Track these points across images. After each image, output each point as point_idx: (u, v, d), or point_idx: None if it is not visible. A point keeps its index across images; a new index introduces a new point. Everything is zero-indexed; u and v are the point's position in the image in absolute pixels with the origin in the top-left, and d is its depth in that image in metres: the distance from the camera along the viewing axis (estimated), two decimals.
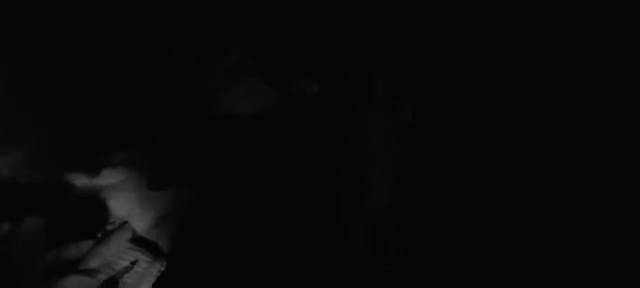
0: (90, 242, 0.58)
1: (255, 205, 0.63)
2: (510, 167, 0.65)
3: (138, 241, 0.60)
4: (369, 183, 0.62)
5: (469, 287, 0.63)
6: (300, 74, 0.64)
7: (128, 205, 0.60)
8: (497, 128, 0.66)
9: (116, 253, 0.58)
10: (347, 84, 0.64)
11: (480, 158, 0.66)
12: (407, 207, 0.64)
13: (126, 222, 0.60)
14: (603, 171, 0.64)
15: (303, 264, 0.62)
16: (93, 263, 0.57)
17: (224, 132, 0.64)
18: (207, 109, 0.64)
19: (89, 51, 0.63)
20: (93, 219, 0.60)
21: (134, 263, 0.59)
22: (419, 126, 0.66)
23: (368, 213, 0.63)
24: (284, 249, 0.62)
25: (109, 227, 0.60)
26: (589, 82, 0.67)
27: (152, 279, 0.59)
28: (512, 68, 0.67)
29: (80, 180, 0.59)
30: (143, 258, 0.59)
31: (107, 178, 0.60)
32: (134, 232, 0.60)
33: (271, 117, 0.65)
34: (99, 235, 0.59)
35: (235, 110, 0.64)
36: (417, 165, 0.65)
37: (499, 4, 0.67)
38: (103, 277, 0.56)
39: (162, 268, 0.60)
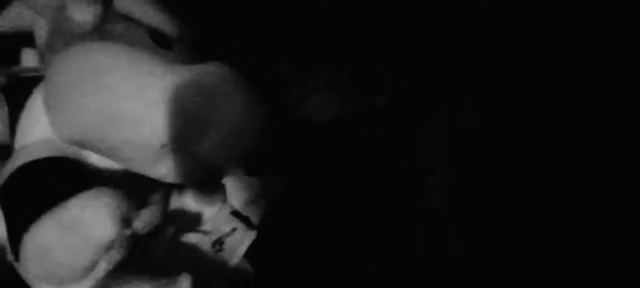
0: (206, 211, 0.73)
1: (331, 196, 0.77)
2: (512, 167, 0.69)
3: (236, 214, 0.74)
4: (429, 184, 0.74)
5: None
6: (370, 88, 0.79)
7: (229, 188, 0.75)
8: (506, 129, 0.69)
9: (222, 221, 0.72)
10: (410, 97, 0.78)
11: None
12: (464, 207, 0.69)
13: (227, 201, 0.75)
14: (609, 174, 0.67)
15: (371, 250, 0.75)
16: (206, 227, 0.71)
17: (305, 133, 0.80)
18: (294, 113, 0.79)
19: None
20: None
21: (233, 230, 0.73)
22: (477, 132, 0.70)
23: (427, 211, 0.74)
24: (355, 236, 0.75)
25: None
26: (590, 83, 0.67)
27: (247, 244, 0.73)
28: (513, 68, 0.69)
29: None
30: (240, 227, 0.73)
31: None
32: (232, 207, 0.75)
33: (344, 124, 0.80)
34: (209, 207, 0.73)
35: (315, 116, 0.79)
36: (475, 170, 0.69)
37: (499, 4, 0.67)
38: (214, 237, 0.71)
39: (254, 237, 0.74)
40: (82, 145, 0.30)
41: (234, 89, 0.35)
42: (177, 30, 0.41)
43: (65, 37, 0.31)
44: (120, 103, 0.29)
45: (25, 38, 0.38)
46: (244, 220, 0.74)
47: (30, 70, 0.32)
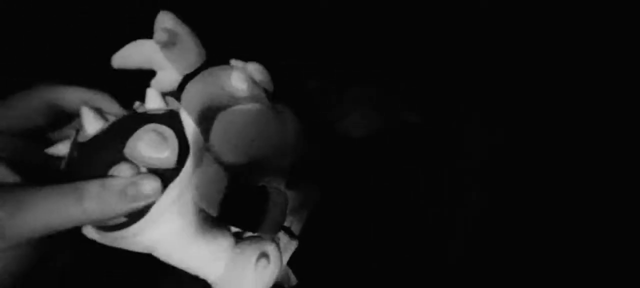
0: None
1: (369, 206, 0.81)
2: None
3: None
4: (466, 195, 0.76)
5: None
6: (405, 106, 0.83)
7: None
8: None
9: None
10: (443, 114, 0.82)
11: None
12: (502, 216, 0.72)
13: None
14: (609, 174, 0.68)
15: (407, 257, 0.78)
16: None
17: (343, 147, 0.84)
18: (332, 129, 0.84)
19: None
20: None
21: (277, 239, 0.77)
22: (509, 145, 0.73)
23: (465, 221, 0.77)
24: (391, 243, 0.79)
25: None
26: (590, 83, 0.68)
27: (290, 253, 0.77)
28: (513, 68, 0.70)
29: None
30: (283, 237, 0.78)
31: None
32: None
33: (379, 139, 0.84)
34: None
35: (352, 132, 0.84)
36: (511, 180, 0.72)
37: (499, 3, 0.68)
38: None
39: (296, 246, 0.78)
40: (236, 167, 0.42)
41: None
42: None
43: (226, 98, 0.42)
44: (268, 140, 0.44)
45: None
46: (286, 230, 0.79)
47: (158, 109, 0.39)
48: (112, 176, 0.35)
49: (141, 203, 0.35)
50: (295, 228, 0.80)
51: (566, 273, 0.71)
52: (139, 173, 0.36)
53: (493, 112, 0.78)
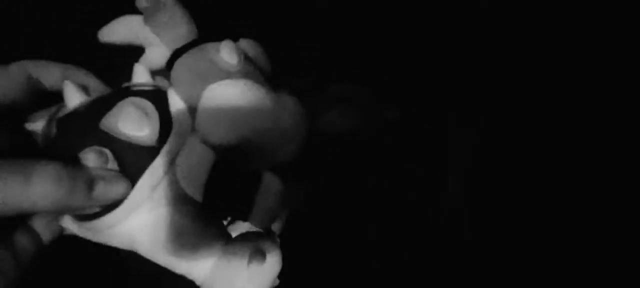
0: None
1: (349, 206, 0.80)
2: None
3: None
4: (447, 195, 0.74)
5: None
6: (383, 102, 0.82)
7: None
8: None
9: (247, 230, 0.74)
10: (424, 111, 0.82)
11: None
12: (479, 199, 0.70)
13: None
14: (607, 174, 0.68)
15: (389, 258, 0.76)
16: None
17: (324, 145, 0.82)
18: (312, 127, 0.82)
19: None
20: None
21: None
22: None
23: (446, 220, 0.76)
24: (372, 243, 0.77)
25: None
26: (591, 83, 0.68)
27: None
28: (513, 69, 0.70)
29: None
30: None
31: None
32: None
33: (359, 136, 0.83)
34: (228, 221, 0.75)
35: (331, 129, 0.82)
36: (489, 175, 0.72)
37: (499, 3, 0.67)
38: None
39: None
40: (225, 149, 0.38)
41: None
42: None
43: (215, 72, 0.39)
44: (261, 121, 0.40)
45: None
46: (267, 231, 0.76)
47: (143, 85, 0.36)
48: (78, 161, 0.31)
49: (100, 203, 0.32)
50: (277, 230, 0.77)
51: (548, 271, 0.72)
52: (107, 167, 0.32)
53: (476, 111, 0.77)
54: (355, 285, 0.74)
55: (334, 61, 0.82)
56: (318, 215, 0.78)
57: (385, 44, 0.79)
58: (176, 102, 0.37)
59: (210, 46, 0.41)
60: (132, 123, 0.33)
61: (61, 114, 0.35)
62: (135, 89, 0.36)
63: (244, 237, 0.40)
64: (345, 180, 0.80)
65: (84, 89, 0.36)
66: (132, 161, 0.33)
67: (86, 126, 0.33)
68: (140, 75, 0.37)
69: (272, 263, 0.41)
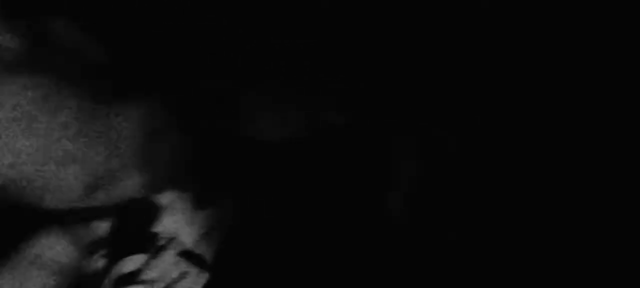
0: (145, 256, 0.63)
1: (289, 217, 0.71)
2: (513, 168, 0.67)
3: (186, 254, 0.66)
4: (390, 207, 0.69)
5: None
6: (328, 106, 0.73)
7: (177, 223, 0.66)
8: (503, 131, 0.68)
9: (168, 265, 0.64)
10: (370, 114, 0.73)
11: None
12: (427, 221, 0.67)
13: (175, 238, 0.66)
14: (606, 174, 0.66)
15: (333, 271, 0.69)
16: (149, 275, 0.62)
17: (258, 156, 0.72)
18: (242, 135, 0.72)
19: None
20: (146, 237, 0.65)
21: (183, 274, 0.64)
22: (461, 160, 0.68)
23: (388, 233, 0.70)
24: (315, 259, 0.69)
25: (161, 243, 0.65)
26: (591, 83, 0.67)
27: (200, 286, 0.64)
28: (513, 69, 0.68)
29: (135, 205, 0.65)
30: (191, 270, 0.65)
31: (163, 199, 0.66)
32: (183, 246, 0.66)
33: (299, 144, 0.74)
34: (152, 250, 0.64)
35: (268, 137, 0.73)
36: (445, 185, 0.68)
37: (500, 3, 0.66)
38: (160, 285, 0.61)
39: (209, 279, 0.65)
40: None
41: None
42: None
43: None
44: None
45: None
46: (196, 259, 0.66)
47: None
48: None
49: None
50: (208, 256, 0.67)
51: (497, 273, 0.68)
52: None
53: (427, 114, 0.72)
54: None
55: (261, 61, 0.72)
56: (253, 234, 0.68)
57: (384, 44, 0.72)
58: None
59: None
60: None
61: None
62: None
63: None
64: (280, 193, 0.71)
65: None
66: None
67: None
68: None
69: None
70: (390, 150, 0.72)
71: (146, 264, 0.62)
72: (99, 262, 0.60)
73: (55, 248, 0.57)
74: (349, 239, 0.70)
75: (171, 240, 0.66)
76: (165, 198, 0.67)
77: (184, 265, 0.65)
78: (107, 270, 0.59)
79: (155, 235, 0.65)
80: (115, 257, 0.61)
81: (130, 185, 0.64)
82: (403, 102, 0.72)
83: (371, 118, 0.71)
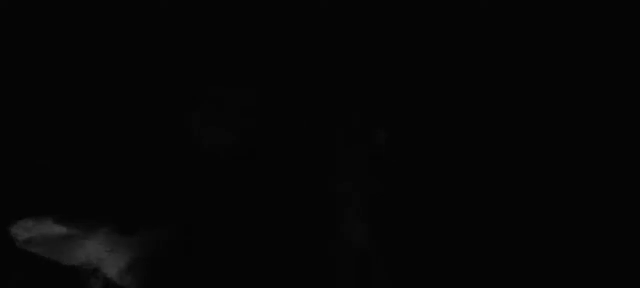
0: None
1: (231, 247, 0.63)
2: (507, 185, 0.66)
3: None
4: (347, 224, 0.63)
5: None
6: (281, 110, 0.66)
7: (98, 253, 0.59)
8: (496, 131, 0.66)
9: None
10: (325, 120, 0.66)
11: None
12: (392, 248, 0.63)
13: (97, 270, 0.59)
14: (605, 175, 0.64)
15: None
16: None
17: (198, 171, 0.65)
18: (179, 147, 0.65)
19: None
20: (62, 269, 0.58)
21: None
22: (395, 155, 0.65)
23: (347, 256, 0.63)
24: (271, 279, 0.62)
25: (81, 277, 0.58)
26: (590, 83, 0.66)
27: None
28: (513, 69, 0.67)
29: (46, 229, 0.58)
30: None
31: (77, 227, 0.59)
32: (107, 278, 0.59)
33: (248, 155, 0.66)
34: (70, 284, 0.57)
35: (211, 149, 0.65)
36: (399, 201, 0.64)
37: (499, 3, 0.66)
38: None
39: None
40: None
41: None
42: None
43: None
44: None
45: None
46: None
47: None
48: None
49: None
50: (134, 286, 0.60)
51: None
52: None
53: (375, 113, 0.68)
54: None
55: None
56: (184, 257, 0.61)
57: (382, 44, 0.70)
58: None
59: None
60: None
61: None
62: None
63: None
64: (225, 212, 0.63)
65: None
66: None
67: None
68: None
69: None
70: (342, 162, 0.64)
71: None
72: None
73: None
74: (296, 264, 0.62)
75: (93, 271, 0.59)
76: (85, 225, 0.60)
77: None
78: None
79: (71, 270, 0.58)
80: None
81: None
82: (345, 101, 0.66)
83: (315, 118, 0.64)
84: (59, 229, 0.59)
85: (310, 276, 0.63)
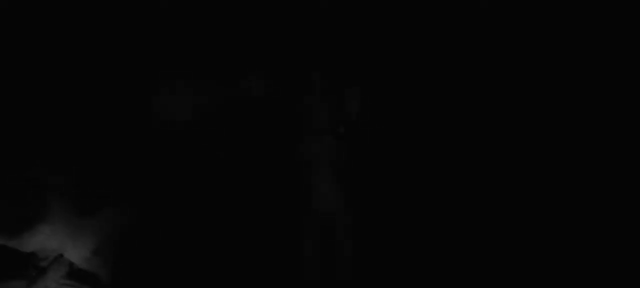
0: (23, 282, 0.53)
1: (197, 220, 0.60)
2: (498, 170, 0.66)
3: (77, 274, 0.55)
4: (313, 190, 0.62)
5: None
6: (246, 73, 0.63)
7: (59, 237, 0.55)
8: (491, 127, 0.67)
9: None
10: (291, 82, 0.64)
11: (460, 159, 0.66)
12: (358, 213, 0.62)
13: (61, 255, 0.55)
14: (601, 173, 0.65)
15: (252, 281, 0.60)
16: None
17: (160, 142, 0.61)
18: (139, 117, 0.61)
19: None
20: (23, 258, 0.54)
21: None
22: (365, 122, 0.64)
23: (314, 222, 0.62)
24: (230, 265, 0.59)
25: (43, 264, 0.54)
26: (590, 83, 0.67)
27: None
28: (512, 68, 0.67)
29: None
30: None
31: (32, 210, 0.54)
32: (72, 264, 0.55)
33: (213, 122, 0.63)
34: (33, 273, 0.53)
35: (174, 117, 0.62)
36: (366, 168, 0.63)
37: (499, 3, 0.67)
38: None
39: None
40: None
41: None
42: None
43: None
44: None
45: None
46: (89, 279, 0.55)
47: None
48: None
49: None
50: (103, 272, 0.56)
51: (433, 261, 0.64)
52: None
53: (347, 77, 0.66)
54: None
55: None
56: (154, 236, 0.58)
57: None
58: None
59: None
60: None
61: None
62: None
63: None
64: (191, 184, 0.60)
65: None
66: None
67: None
68: None
69: None
70: (308, 125, 0.63)
71: None
72: None
73: None
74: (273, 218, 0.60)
75: (56, 258, 0.55)
76: (42, 207, 0.55)
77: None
78: None
79: (32, 256, 0.54)
80: None
81: None
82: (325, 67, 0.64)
83: (290, 84, 0.62)
84: (14, 214, 0.54)
85: (278, 241, 0.62)
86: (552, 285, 0.63)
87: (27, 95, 0.59)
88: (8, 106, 0.58)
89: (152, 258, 0.58)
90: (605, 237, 0.64)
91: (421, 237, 0.64)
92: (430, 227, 0.64)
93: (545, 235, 0.64)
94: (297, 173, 0.63)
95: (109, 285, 0.56)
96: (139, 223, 0.59)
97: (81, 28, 0.61)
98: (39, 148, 0.58)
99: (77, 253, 0.56)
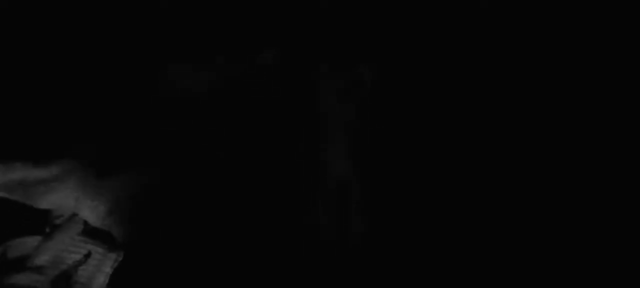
0: (37, 238, 0.54)
1: (212, 185, 0.61)
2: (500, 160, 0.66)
3: (90, 233, 0.56)
4: (326, 156, 0.62)
5: (437, 262, 0.62)
6: (256, 45, 0.63)
7: (75, 196, 0.56)
8: (492, 127, 0.67)
9: (66, 247, 0.54)
10: (301, 52, 0.64)
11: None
12: (370, 180, 0.63)
13: (75, 214, 0.56)
14: (601, 174, 0.65)
15: (267, 247, 0.61)
16: (41, 260, 0.52)
17: (174, 110, 0.62)
18: (154, 88, 0.61)
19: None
20: (37, 214, 0.55)
21: (87, 256, 0.55)
22: (378, 93, 0.64)
23: (328, 189, 0.62)
24: (245, 231, 0.60)
25: (57, 221, 0.55)
26: (589, 84, 0.67)
27: (108, 270, 0.55)
28: (512, 68, 0.68)
29: (17, 174, 0.55)
30: (96, 250, 0.56)
31: (50, 170, 0.55)
32: (86, 223, 0.57)
33: (224, 92, 0.63)
34: (47, 229, 0.55)
35: (187, 86, 0.62)
36: (379, 136, 0.63)
37: (499, 3, 0.67)
38: (54, 272, 0.52)
39: (119, 259, 0.56)
40: None
41: None
42: None
43: None
44: None
45: None
46: (103, 238, 0.57)
47: None
48: None
49: None
50: (117, 232, 0.58)
51: (442, 235, 0.63)
52: None
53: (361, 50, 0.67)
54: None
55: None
56: (168, 199, 0.59)
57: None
58: None
59: None
60: None
61: None
62: None
63: None
64: (205, 151, 0.61)
65: None
66: None
67: None
68: None
69: None
70: (318, 93, 0.63)
71: (37, 247, 0.53)
72: None
73: None
74: (275, 210, 0.61)
75: (70, 216, 0.56)
76: (59, 166, 0.56)
77: (87, 246, 0.55)
78: None
79: (48, 213, 0.55)
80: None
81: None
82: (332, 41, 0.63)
83: (300, 56, 0.62)
84: (29, 173, 0.55)
85: (293, 210, 0.62)
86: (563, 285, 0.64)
87: (49, 69, 0.60)
88: (28, 73, 0.59)
89: (167, 221, 0.59)
90: (612, 238, 0.63)
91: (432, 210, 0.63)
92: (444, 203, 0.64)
93: (557, 233, 0.65)
94: (311, 139, 0.63)
95: (122, 245, 0.57)
96: (156, 186, 0.60)
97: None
98: (60, 113, 0.59)
99: (92, 213, 0.57)
